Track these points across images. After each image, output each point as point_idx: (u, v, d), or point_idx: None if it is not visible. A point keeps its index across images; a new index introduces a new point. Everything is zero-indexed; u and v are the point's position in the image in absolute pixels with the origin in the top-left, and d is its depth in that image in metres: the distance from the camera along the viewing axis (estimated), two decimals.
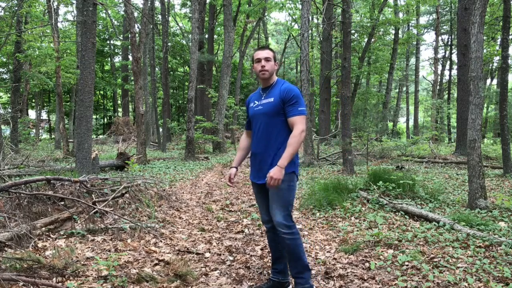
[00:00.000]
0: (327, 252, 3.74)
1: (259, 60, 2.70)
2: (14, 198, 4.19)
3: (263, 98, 2.75)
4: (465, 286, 2.86)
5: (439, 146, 17.26)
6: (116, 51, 32.01)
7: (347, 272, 3.19)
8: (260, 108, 2.73)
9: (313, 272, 3.24)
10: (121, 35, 27.10)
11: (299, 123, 2.59)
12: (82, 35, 7.39)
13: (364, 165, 10.45)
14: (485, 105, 26.77)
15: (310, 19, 16.95)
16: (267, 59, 2.69)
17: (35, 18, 15.80)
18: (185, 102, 31.48)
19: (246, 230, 4.52)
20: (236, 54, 24.82)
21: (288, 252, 2.64)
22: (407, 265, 3.27)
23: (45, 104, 30.47)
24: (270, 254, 3.03)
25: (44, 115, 32.66)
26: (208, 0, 20.36)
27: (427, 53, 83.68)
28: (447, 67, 28.49)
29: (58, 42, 14.89)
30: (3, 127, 16.72)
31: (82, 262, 3.25)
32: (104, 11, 22.83)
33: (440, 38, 29.49)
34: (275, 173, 2.52)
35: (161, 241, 4.01)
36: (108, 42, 30.65)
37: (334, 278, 3.10)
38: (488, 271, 3.08)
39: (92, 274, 3.02)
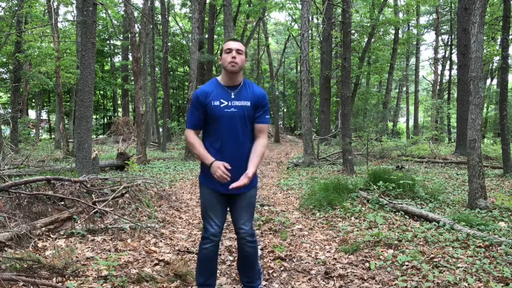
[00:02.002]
0: (327, 252, 3.75)
1: (230, 51, 2.44)
2: (14, 198, 4.19)
3: (233, 98, 2.48)
4: (465, 286, 2.86)
5: (439, 146, 17.27)
6: (116, 51, 31.99)
7: (347, 272, 3.19)
8: (233, 110, 2.45)
9: (313, 272, 3.24)
10: (121, 35, 27.09)
11: (266, 132, 2.54)
12: (82, 35, 7.39)
13: (364, 165, 10.46)
14: (485, 105, 26.76)
15: (310, 19, 16.95)
16: (238, 52, 2.44)
17: (35, 18, 15.79)
18: (185, 102, 31.48)
19: None
20: None
21: (248, 260, 2.59)
22: (407, 265, 3.27)
23: (45, 104, 30.45)
24: (209, 270, 2.61)
25: (44, 115, 32.64)
26: (208, 0, 20.35)
27: (427, 53, 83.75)
28: (447, 67, 28.47)
29: (58, 42, 14.88)
30: (3, 127, 16.72)
31: (82, 262, 3.25)
32: (104, 11, 22.83)
33: (440, 38, 29.48)
34: (250, 179, 2.39)
35: (161, 241, 4.01)
36: (108, 42, 30.64)
37: (334, 278, 3.10)
38: (488, 271, 3.08)
39: (92, 274, 3.02)
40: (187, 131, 2.53)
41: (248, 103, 2.49)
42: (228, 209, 2.62)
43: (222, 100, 2.46)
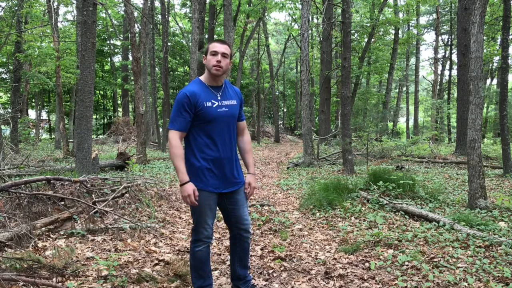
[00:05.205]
0: (327, 252, 3.75)
1: (215, 53, 2.41)
2: (14, 198, 4.19)
3: (220, 98, 2.49)
4: (465, 286, 2.86)
5: (439, 146, 17.26)
6: (116, 51, 31.98)
7: (347, 272, 3.19)
8: (225, 110, 2.49)
9: (313, 272, 3.24)
10: (121, 35, 27.09)
11: (246, 128, 2.74)
12: (82, 35, 7.39)
13: (364, 165, 10.45)
14: (485, 105, 26.73)
15: (310, 19, 16.94)
16: (224, 55, 2.42)
17: (35, 18, 15.78)
18: None
19: None
20: (236, 54, 24.79)
21: (246, 253, 2.69)
22: (407, 265, 3.27)
23: (45, 104, 30.43)
24: (208, 273, 2.61)
25: (44, 115, 32.62)
26: (208, 0, 20.35)
27: (427, 53, 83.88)
28: (447, 67, 28.46)
29: (58, 42, 14.88)
30: (3, 127, 16.71)
31: (82, 262, 3.25)
32: (104, 11, 22.81)
33: (440, 38, 29.46)
34: (255, 182, 2.64)
35: (161, 241, 4.01)
36: (108, 42, 30.63)
37: (334, 278, 3.10)
38: (488, 271, 3.08)
39: (92, 274, 3.02)
40: (173, 133, 2.40)
41: (235, 102, 2.57)
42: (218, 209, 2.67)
43: (213, 101, 2.46)
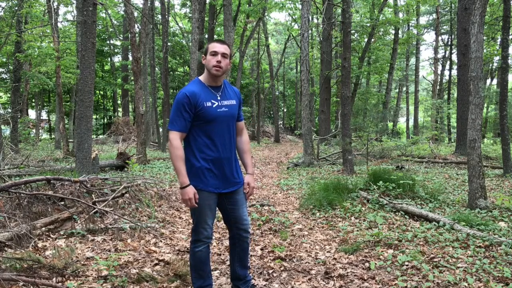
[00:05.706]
0: (327, 252, 3.75)
1: (215, 54, 2.41)
2: (14, 198, 4.19)
3: (219, 98, 2.49)
4: (465, 286, 2.86)
5: (439, 146, 17.25)
6: (116, 51, 31.97)
7: (347, 272, 3.19)
8: (225, 109, 2.49)
9: (313, 272, 3.24)
10: (121, 35, 27.08)
11: (245, 128, 2.73)
12: (82, 35, 7.39)
13: (364, 165, 10.45)
14: (485, 105, 26.71)
15: (310, 19, 16.94)
16: (224, 55, 2.42)
17: (35, 18, 15.78)
18: None
19: None
20: (236, 54, 24.79)
21: (246, 253, 2.70)
22: (407, 265, 3.27)
23: (45, 104, 30.42)
24: (208, 273, 2.61)
25: (44, 115, 32.61)
26: (208, 0, 20.34)
27: (427, 53, 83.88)
28: (447, 67, 28.45)
29: (58, 42, 14.88)
30: (3, 127, 16.71)
31: (82, 262, 3.25)
32: (104, 11, 22.80)
33: (440, 38, 29.46)
34: (254, 182, 2.68)
35: (161, 241, 4.01)
36: (108, 42, 30.63)
37: (334, 278, 3.10)
38: (488, 271, 3.08)
39: (92, 274, 3.02)
40: (174, 134, 2.40)
41: (234, 102, 2.57)
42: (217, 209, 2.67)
43: (212, 101, 2.46)
